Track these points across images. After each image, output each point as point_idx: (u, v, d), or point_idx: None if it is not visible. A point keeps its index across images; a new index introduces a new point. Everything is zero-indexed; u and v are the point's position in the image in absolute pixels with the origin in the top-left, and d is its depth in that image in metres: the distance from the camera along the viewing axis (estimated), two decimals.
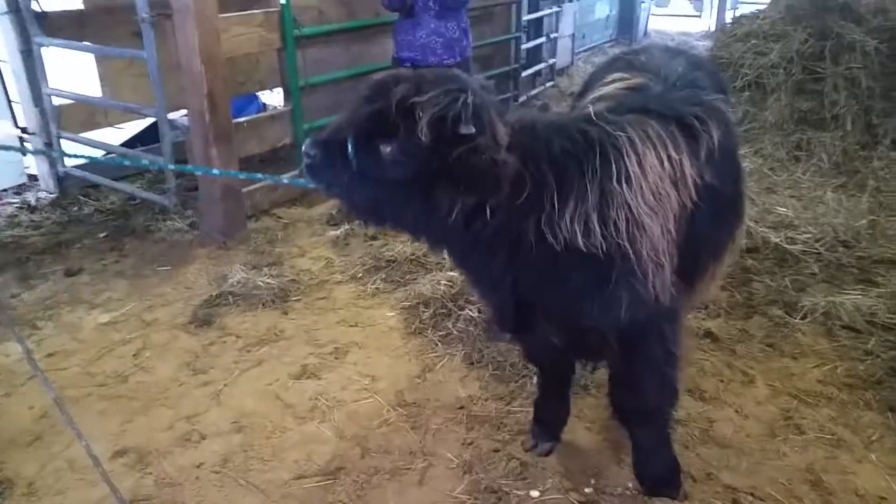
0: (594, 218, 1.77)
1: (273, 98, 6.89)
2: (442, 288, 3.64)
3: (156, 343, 3.34)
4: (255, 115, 5.16)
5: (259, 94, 6.39)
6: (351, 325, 3.48)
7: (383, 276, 3.90)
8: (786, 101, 5.50)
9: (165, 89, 4.23)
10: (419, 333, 3.39)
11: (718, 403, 2.86)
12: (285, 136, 4.79)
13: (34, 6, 4.64)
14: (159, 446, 2.63)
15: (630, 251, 1.81)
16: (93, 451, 1.89)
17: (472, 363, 3.12)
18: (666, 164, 1.88)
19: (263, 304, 3.64)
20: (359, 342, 3.33)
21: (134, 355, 3.24)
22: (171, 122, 4.46)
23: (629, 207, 1.80)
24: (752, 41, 5.87)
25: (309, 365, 3.14)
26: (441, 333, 3.36)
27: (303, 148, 1.81)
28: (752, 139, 5.49)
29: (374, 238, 4.35)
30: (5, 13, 4.59)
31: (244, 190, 4.48)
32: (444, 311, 3.51)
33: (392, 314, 3.57)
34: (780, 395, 2.90)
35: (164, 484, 2.46)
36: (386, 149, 1.70)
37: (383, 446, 2.64)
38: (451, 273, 3.76)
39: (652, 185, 1.85)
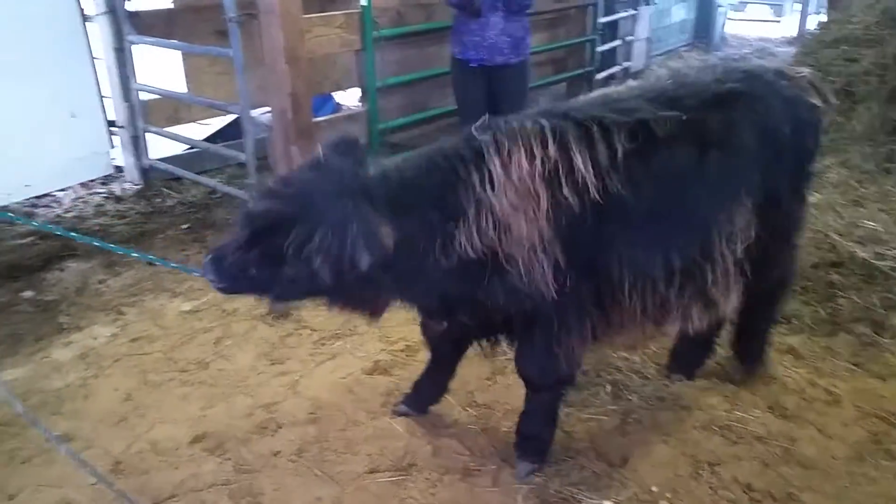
0: (474, 232, 1.97)
1: (346, 98, 7.03)
2: None
3: (235, 332, 3.44)
4: (333, 115, 5.26)
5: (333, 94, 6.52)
6: (419, 326, 3.49)
7: None
8: (877, 110, 5.25)
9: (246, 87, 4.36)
10: None
11: (800, 422, 2.75)
12: (361, 135, 4.86)
13: (127, 6, 4.86)
14: (238, 433, 2.71)
15: (500, 250, 2.00)
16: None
17: None
18: (537, 162, 1.99)
19: None
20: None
21: (214, 343, 3.34)
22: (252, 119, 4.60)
23: (494, 210, 1.97)
24: (843, 47, 5.63)
25: (381, 361, 3.18)
26: None
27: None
28: (838, 150, 5.26)
29: None
30: (103, 13, 4.81)
31: None
32: None
33: None
34: (867, 416, 2.78)
35: (242, 470, 2.52)
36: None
37: (454, 446, 2.65)
38: None
39: (517, 183, 1.98)
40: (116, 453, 2.63)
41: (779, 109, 2.34)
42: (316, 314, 3.57)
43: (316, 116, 4.80)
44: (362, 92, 5.10)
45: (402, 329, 3.44)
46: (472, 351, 3.21)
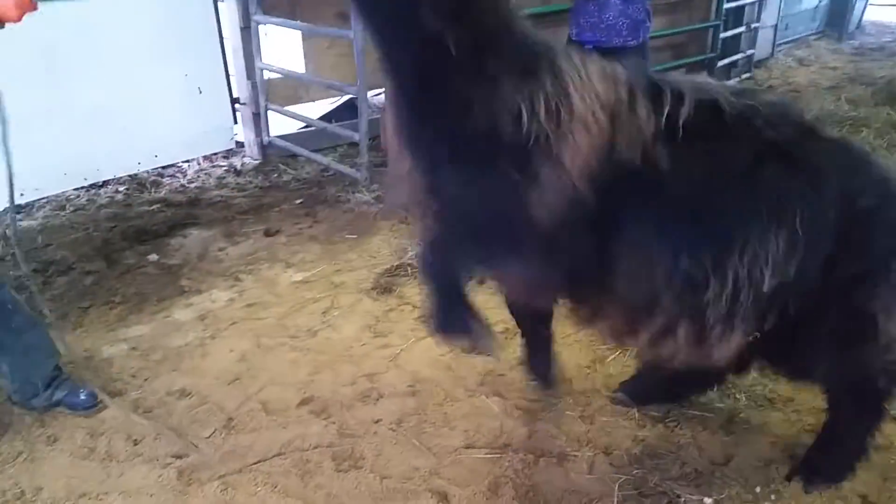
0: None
1: None
2: None
3: (342, 304, 3.56)
4: None
5: None
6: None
7: None
8: None
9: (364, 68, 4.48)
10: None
11: None
12: None
13: None
14: (342, 399, 2.82)
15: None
16: None
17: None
18: (608, 91, 1.83)
19: None
20: None
21: (323, 313, 3.48)
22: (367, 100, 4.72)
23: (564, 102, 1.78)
24: None
25: None
26: None
27: None
28: None
29: None
30: None
31: None
32: None
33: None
34: None
35: (344, 434, 2.62)
36: None
37: (550, 430, 2.64)
38: None
39: (585, 98, 1.80)
40: (229, 410, 2.79)
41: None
42: (419, 291, 3.64)
43: None
44: None
45: (500, 312, 3.43)
46: (573, 337, 3.22)
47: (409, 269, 3.84)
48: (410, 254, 3.97)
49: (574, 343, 3.19)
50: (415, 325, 3.35)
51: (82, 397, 2.74)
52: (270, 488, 2.39)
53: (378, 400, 2.82)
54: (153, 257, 4.08)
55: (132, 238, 4.28)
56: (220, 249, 4.20)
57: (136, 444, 2.60)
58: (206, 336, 3.30)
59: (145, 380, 2.98)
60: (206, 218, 4.61)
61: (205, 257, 4.11)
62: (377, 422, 2.68)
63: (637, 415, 2.71)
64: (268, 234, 4.39)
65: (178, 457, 2.53)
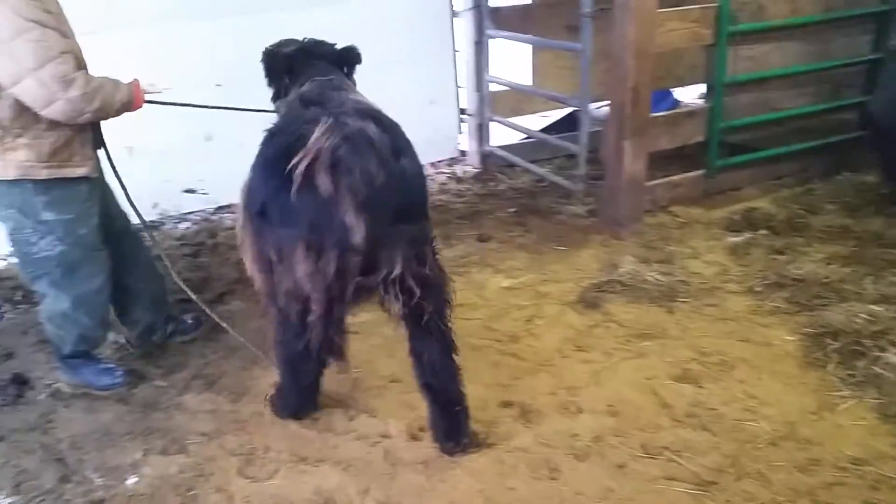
0: None
1: (684, 94, 6.77)
2: (859, 321, 3.16)
3: (546, 314, 3.57)
4: (671, 111, 5.12)
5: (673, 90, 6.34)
6: (741, 340, 3.25)
7: (786, 294, 3.54)
8: None
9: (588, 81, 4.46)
10: (820, 367, 3.01)
11: None
12: (698, 133, 4.64)
13: (490, 2, 5.30)
14: (541, 408, 2.83)
15: None
16: None
17: (889, 416, 2.67)
18: None
19: (650, 299, 3.62)
20: (748, 359, 3.10)
21: (526, 321, 3.52)
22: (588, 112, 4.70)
23: None
24: None
25: (691, 370, 3.03)
26: (848, 372, 2.93)
27: None
28: None
29: (780, 252, 3.99)
30: (469, 9, 5.32)
31: (647, 184, 4.49)
32: (856, 347, 3.05)
33: (791, 338, 3.23)
34: None
35: (540, 443, 2.63)
36: None
37: (765, 475, 2.43)
38: (874, 307, 3.25)
39: None
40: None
41: None
42: (626, 310, 3.55)
43: (652, 111, 4.71)
44: (707, 88, 4.86)
45: (717, 341, 3.25)
46: (798, 379, 2.93)
47: (617, 285, 3.75)
48: (621, 270, 3.88)
49: (798, 385, 2.91)
50: (619, 344, 3.27)
51: (189, 321, 3.51)
52: (469, 479, 2.47)
53: (577, 414, 2.79)
54: None
55: None
56: (438, 251, 4.41)
57: (351, 421, 2.83)
58: None
59: (365, 361, 3.22)
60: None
61: None
62: (574, 436, 2.65)
63: (869, 476, 2.40)
64: (480, 239, 4.53)
65: (386, 437, 2.71)
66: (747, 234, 4.25)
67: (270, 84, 3.00)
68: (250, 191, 2.28)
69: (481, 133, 5.69)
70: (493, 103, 5.60)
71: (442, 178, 5.74)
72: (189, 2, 4.78)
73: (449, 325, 2.51)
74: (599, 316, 3.53)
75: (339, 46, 3.02)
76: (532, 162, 5.50)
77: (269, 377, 3.05)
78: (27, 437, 2.87)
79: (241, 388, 3.10)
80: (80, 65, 2.69)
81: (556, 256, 4.22)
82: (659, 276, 3.81)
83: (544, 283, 3.90)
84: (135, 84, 2.86)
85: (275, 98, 3.01)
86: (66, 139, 2.71)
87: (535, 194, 5.25)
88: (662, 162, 5.20)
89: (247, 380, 3.16)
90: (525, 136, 5.79)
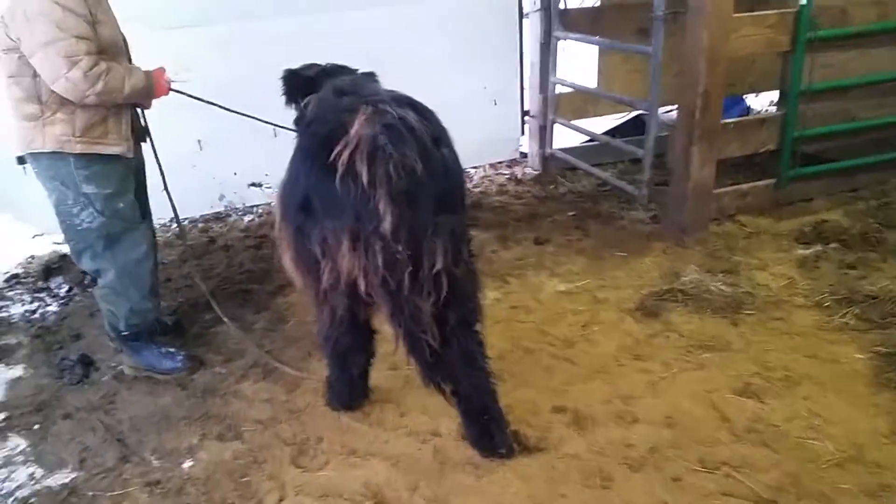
0: None
1: (756, 101, 6.56)
2: None
3: (603, 320, 3.51)
4: (743, 118, 4.96)
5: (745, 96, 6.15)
6: (807, 356, 3.12)
7: (857, 311, 3.38)
8: None
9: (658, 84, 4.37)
10: (892, 387, 2.87)
11: None
12: (770, 141, 4.48)
13: (561, 4, 5.24)
14: (595, 415, 2.78)
15: None
16: None
17: None
18: None
19: (713, 310, 3.51)
20: (813, 376, 2.97)
21: (582, 326, 3.46)
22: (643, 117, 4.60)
23: None
24: None
25: (753, 384, 2.92)
26: None
27: None
28: None
29: (851, 267, 3.81)
30: (537, 10, 5.28)
31: (714, 192, 4.36)
32: None
33: (860, 356, 3.09)
34: None
35: (593, 451, 2.58)
36: None
37: (829, 496, 2.32)
38: None
39: None
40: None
41: None
42: (687, 320, 3.45)
43: (723, 117, 4.58)
44: (781, 96, 4.69)
45: (782, 356, 3.13)
46: (867, 399, 2.79)
47: (679, 294, 3.65)
48: (683, 279, 3.78)
49: (868, 406, 2.77)
50: (679, 355, 3.18)
51: (168, 323, 3.54)
52: (519, 482, 2.44)
53: (632, 424, 2.73)
54: None
55: None
56: (493, 252, 4.40)
57: (402, 417, 2.85)
58: None
59: None
60: (484, 221, 4.86)
61: (480, 257, 4.32)
62: (629, 446, 2.59)
63: None
64: (537, 242, 4.49)
65: (436, 435, 2.71)
66: (818, 247, 4.08)
67: (289, 104, 2.97)
68: (290, 185, 2.29)
69: (544, 135, 5.64)
70: (558, 105, 5.54)
71: (501, 179, 5.72)
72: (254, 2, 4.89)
73: (479, 329, 2.45)
74: (659, 325, 3.45)
75: (361, 71, 2.99)
76: (595, 166, 5.43)
77: (324, 369, 3.08)
78: (91, 416, 3.00)
79: (296, 379, 3.16)
80: (102, 50, 2.81)
81: (615, 262, 4.15)
82: (723, 287, 3.69)
83: (602, 289, 3.84)
84: (157, 72, 3.00)
85: (297, 122, 2.95)
86: (101, 117, 2.88)
87: (596, 198, 5.18)
88: (731, 169, 5.06)
89: (304, 370, 3.21)
90: (588, 139, 5.71)
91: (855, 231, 4.21)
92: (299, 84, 2.85)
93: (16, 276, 4.40)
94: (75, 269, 4.41)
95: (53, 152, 2.84)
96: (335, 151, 2.05)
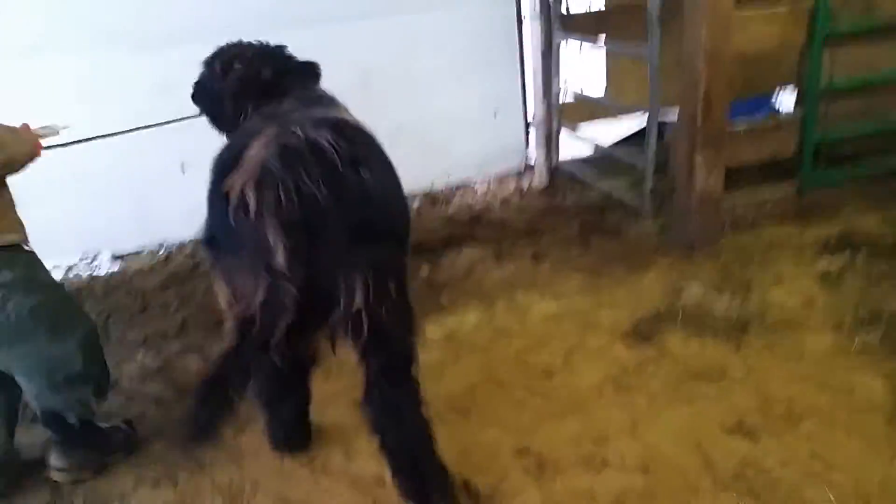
0: None
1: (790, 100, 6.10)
2: None
3: (590, 346, 3.19)
4: (754, 122, 4.55)
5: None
6: (816, 386, 2.73)
7: (881, 333, 2.97)
8: None
9: (667, 89, 4.03)
10: None
11: None
12: (788, 146, 4.09)
13: (562, 9, 4.95)
14: (560, 459, 2.45)
15: None
16: None
17: None
18: None
19: (714, 333, 3.14)
20: (821, 410, 2.59)
21: (565, 353, 3.14)
22: (663, 123, 4.26)
23: None
24: None
25: (748, 421, 2.56)
26: None
27: None
28: None
29: (880, 280, 3.39)
30: (537, 16, 4.98)
31: (728, 199, 3.98)
32: None
33: (880, 386, 2.69)
34: None
35: (551, 501, 2.27)
36: None
37: None
38: None
39: None
40: (445, 444, 2.59)
41: None
42: (684, 344, 3.10)
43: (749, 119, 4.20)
44: (799, 96, 4.28)
45: (787, 386, 2.75)
46: (883, 437, 2.40)
47: (679, 315, 3.31)
48: (685, 297, 3.43)
49: (884, 447, 2.38)
50: (668, 386, 2.84)
51: None
52: None
53: (601, 470, 2.40)
54: (424, 272, 4.16)
55: (413, 251, 4.40)
56: (485, 270, 4.11)
57: (349, 461, 2.59)
58: (447, 359, 3.21)
59: None
60: (482, 236, 4.58)
61: (470, 276, 4.06)
62: (592, 498, 2.27)
63: None
64: (534, 258, 4.19)
65: (381, 484, 2.43)
66: (844, 259, 3.66)
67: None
68: (204, 219, 2.08)
69: (549, 144, 5.33)
70: (563, 113, 5.23)
71: (506, 192, 5.42)
72: (252, 15, 4.73)
73: (414, 375, 2.14)
74: (652, 350, 3.10)
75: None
76: (605, 175, 5.07)
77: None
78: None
79: (249, 414, 2.93)
80: None
81: (614, 279, 3.80)
82: (730, 306, 3.33)
83: (596, 310, 3.50)
84: (24, 128, 2.48)
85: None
86: None
87: (603, 211, 4.82)
88: (750, 172, 4.64)
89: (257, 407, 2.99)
90: (595, 147, 5.37)
91: (890, 241, 3.78)
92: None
93: None
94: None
95: None
96: (225, 181, 1.83)
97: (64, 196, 4.42)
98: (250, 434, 2.81)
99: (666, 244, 4.10)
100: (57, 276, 4.55)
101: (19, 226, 2.46)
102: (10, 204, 2.46)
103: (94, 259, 4.81)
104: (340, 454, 2.63)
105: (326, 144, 1.83)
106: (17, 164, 2.37)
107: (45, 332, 2.41)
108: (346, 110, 2.50)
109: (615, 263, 3.98)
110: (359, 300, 1.88)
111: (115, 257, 4.83)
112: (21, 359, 2.45)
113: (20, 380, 2.51)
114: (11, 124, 2.42)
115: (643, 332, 3.22)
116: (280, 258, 1.77)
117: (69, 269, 4.70)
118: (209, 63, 2.63)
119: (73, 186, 4.44)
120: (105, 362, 2.73)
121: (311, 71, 2.67)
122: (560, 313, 3.51)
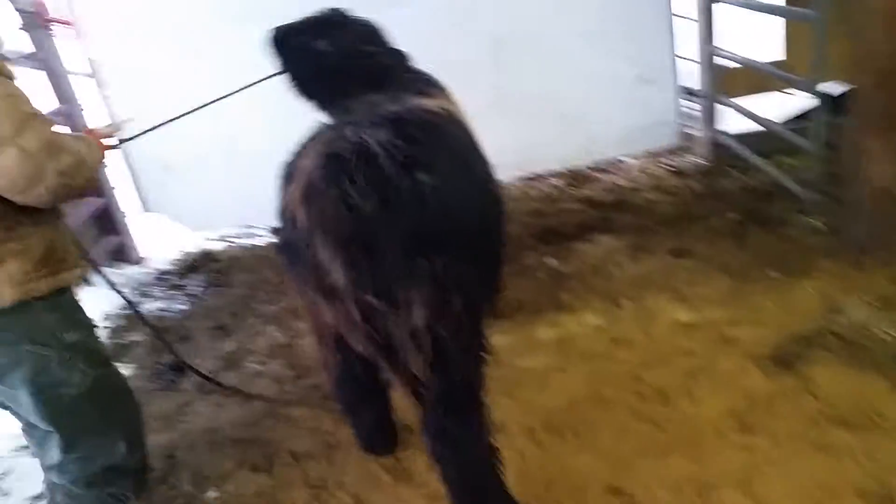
0: None
1: None
2: None
3: (720, 368, 2.81)
4: None
5: None
6: None
7: None
8: None
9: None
10: None
11: None
12: None
13: None
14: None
15: None
16: None
17: None
18: None
19: (876, 367, 2.64)
20: None
21: (688, 374, 2.80)
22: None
23: None
24: None
25: None
26: None
27: None
28: None
29: None
30: None
31: None
32: None
33: None
34: None
35: None
36: None
37: None
38: None
39: None
40: (532, 469, 2.45)
41: None
42: (832, 376, 2.65)
43: None
44: None
45: None
46: None
47: (831, 339, 2.83)
48: (843, 316, 2.93)
49: None
50: (803, 428, 2.44)
51: None
52: None
53: None
54: (551, 262, 3.93)
55: (539, 237, 4.18)
56: (617, 264, 3.80)
57: (430, 471, 2.51)
58: (553, 366, 3.01)
59: None
60: (621, 224, 4.24)
61: (599, 270, 3.77)
62: None
63: None
64: (674, 253, 3.79)
65: None
66: None
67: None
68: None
69: (711, 118, 4.77)
70: (726, 82, 4.63)
71: (660, 171, 4.96)
72: None
73: (479, 402, 1.98)
74: (791, 380, 2.68)
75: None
76: (773, 157, 4.43)
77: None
78: (159, 426, 3.05)
79: None
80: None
81: (764, 286, 3.33)
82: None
83: (735, 324, 3.09)
84: (88, 133, 2.35)
85: None
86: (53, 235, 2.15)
87: (770, 198, 4.23)
88: None
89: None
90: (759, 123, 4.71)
91: None
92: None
93: (166, 272, 4.73)
94: (212, 266, 4.67)
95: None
96: (281, 193, 1.78)
97: (228, 169, 4.76)
98: (348, 428, 2.84)
99: (832, 246, 3.51)
100: (217, 246, 5.02)
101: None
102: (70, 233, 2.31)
103: (249, 231, 5.08)
104: (425, 462, 2.55)
105: (378, 149, 1.67)
106: (94, 175, 2.21)
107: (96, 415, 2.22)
108: (446, 95, 2.35)
109: (769, 266, 3.48)
110: (416, 318, 1.74)
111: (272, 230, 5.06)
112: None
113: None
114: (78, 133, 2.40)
115: (785, 357, 2.79)
116: (336, 276, 1.70)
117: (224, 237, 5.02)
118: (316, 26, 2.53)
119: (235, 161, 4.73)
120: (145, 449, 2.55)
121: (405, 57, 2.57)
122: (692, 324, 3.15)
